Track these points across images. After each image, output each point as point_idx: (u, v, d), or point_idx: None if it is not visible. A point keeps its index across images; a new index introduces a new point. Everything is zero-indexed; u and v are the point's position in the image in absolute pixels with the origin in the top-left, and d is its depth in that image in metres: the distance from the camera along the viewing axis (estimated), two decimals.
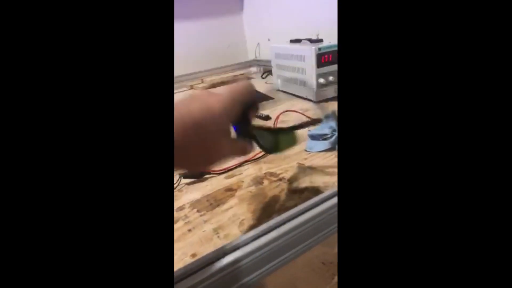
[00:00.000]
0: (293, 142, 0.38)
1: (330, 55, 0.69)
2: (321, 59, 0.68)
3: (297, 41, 0.80)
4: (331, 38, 0.76)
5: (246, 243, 0.25)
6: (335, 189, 0.32)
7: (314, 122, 0.51)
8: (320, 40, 0.74)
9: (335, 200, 0.30)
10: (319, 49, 0.68)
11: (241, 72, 1.22)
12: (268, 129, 0.36)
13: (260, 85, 1.05)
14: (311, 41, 0.74)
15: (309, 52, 0.69)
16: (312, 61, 0.69)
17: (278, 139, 0.36)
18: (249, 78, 1.20)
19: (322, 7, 0.93)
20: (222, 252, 0.24)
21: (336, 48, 0.70)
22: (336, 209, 0.29)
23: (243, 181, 0.42)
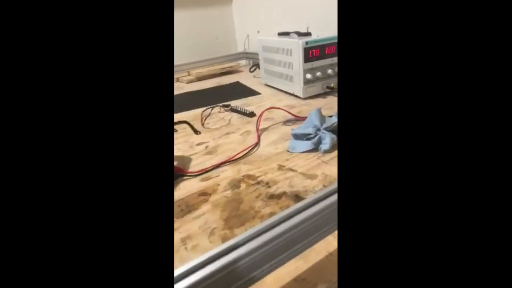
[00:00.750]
0: None
1: (318, 50, 0.67)
2: (309, 54, 0.66)
3: (285, 34, 0.77)
4: (321, 31, 0.73)
5: (210, 262, 0.23)
6: (315, 195, 0.30)
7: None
8: (309, 34, 0.71)
9: (312, 210, 0.28)
10: (307, 43, 0.65)
11: (230, 65, 1.19)
12: None
13: (248, 79, 1.02)
14: (299, 34, 0.71)
15: (296, 46, 0.66)
16: (299, 55, 0.66)
17: None
18: (237, 71, 1.16)
19: None
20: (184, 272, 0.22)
21: (325, 42, 0.67)
22: (311, 221, 0.27)
23: (219, 184, 0.40)
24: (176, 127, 0.61)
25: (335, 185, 0.30)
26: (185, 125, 0.62)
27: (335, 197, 0.29)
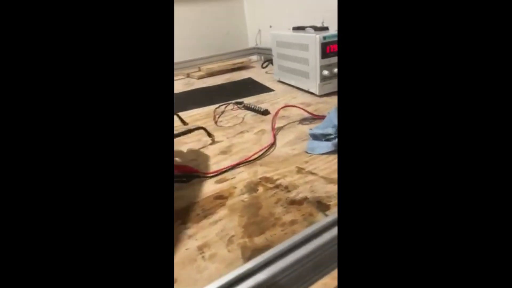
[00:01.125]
0: None
1: (336, 45, 0.64)
2: (326, 49, 0.63)
3: (301, 28, 0.74)
4: (336, 26, 0.70)
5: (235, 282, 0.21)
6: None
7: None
8: (326, 28, 0.68)
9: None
10: (324, 38, 0.62)
11: (241, 60, 1.16)
12: None
13: (260, 75, 0.99)
14: (315, 29, 0.68)
15: (313, 41, 0.63)
16: (316, 51, 0.63)
17: None
18: (248, 67, 1.14)
19: None
20: None
21: None
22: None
23: (235, 187, 0.38)
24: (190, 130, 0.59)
25: None
26: (198, 123, 0.60)
27: None
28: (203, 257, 0.28)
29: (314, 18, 0.90)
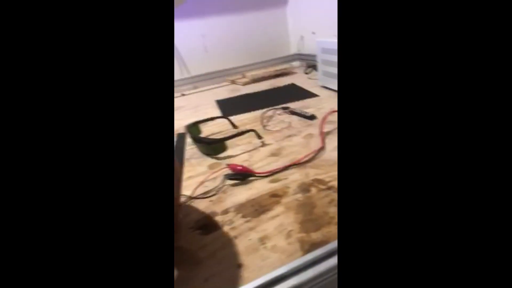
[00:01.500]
0: (222, 150, 0.55)
1: None
2: None
3: None
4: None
5: (304, 267, 0.23)
6: None
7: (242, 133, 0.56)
8: None
9: None
10: None
11: (283, 66, 1.19)
12: (204, 140, 0.55)
13: (303, 81, 1.01)
14: None
15: None
16: None
17: (212, 147, 0.54)
18: (291, 73, 1.17)
19: None
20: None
21: None
22: None
23: (288, 187, 0.40)
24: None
25: None
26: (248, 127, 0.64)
27: None
28: (265, 247, 0.31)
29: None
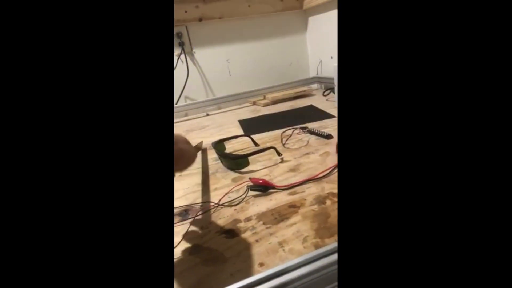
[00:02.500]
0: (245, 165, 0.60)
1: None
2: None
3: None
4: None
5: (312, 261, 0.27)
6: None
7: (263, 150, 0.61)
8: None
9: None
10: None
11: (302, 89, 1.25)
12: (229, 155, 0.61)
13: (321, 102, 1.06)
14: None
15: None
16: None
17: (236, 162, 0.59)
18: (310, 95, 1.22)
19: None
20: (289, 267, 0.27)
21: None
22: None
23: (305, 199, 0.44)
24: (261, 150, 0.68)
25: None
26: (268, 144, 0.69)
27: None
28: (283, 250, 0.34)
29: None
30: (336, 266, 0.26)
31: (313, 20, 1.33)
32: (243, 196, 0.47)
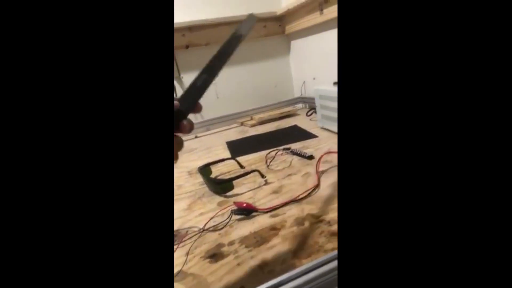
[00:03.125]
0: (229, 189, 0.61)
1: None
2: None
3: None
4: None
5: (289, 280, 0.29)
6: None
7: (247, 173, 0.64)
8: None
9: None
10: None
11: (288, 109, 1.30)
12: (214, 180, 0.64)
13: (305, 122, 1.10)
14: None
15: None
16: None
17: (221, 187, 0.61)
18: (294, 115, 1.27)
19: None
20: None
21: None
22: None
23: (286, 221, 0.47)
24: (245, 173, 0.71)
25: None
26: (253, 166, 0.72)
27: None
28: (263, 272, 0.36)
29: None
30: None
31: (295, 44, 1.41)
32: (227, 220, 0.49)
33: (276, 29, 1.38)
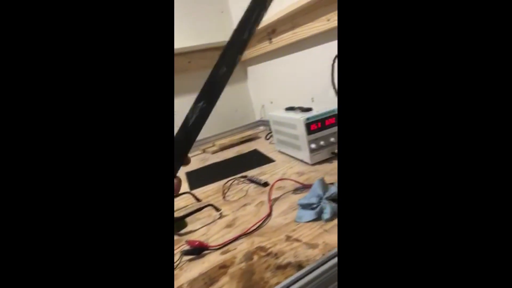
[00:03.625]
0: (183, 227, 0.60)
1: (319, 123, 0.77)
2: (310, 127, 0.76)
3: (291, 109, 0.89)
4: (324, 101, 0.84)
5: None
6: (313, 264, 0.36)
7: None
8: (310, 109, 0.82)
9: (311, 276, 0.35)
10: (308, 119, 0.76)
11: (249, 133, 1.33)
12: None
13: (264, 146, 1.13)
14: (302, 109, 0.83)
15: (299, 122, 0.77)
16: (302, 129, 0.76)
17: (174, 225, 0.58)
18: (256, 138, 1.30)
19: (315, 75, 1.03)
20: None
21: (324, 116, 0.77)
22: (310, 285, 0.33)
23: (235, 257, 0.47)
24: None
25: (332, 252, 0.37)
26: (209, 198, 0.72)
27: (331, 263, 0.36)
28: None
29: (304, 95, 1.07)
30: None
31: (251, 70, 1.46)
32: (177, 262, 0.49)
33: None
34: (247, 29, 0.29)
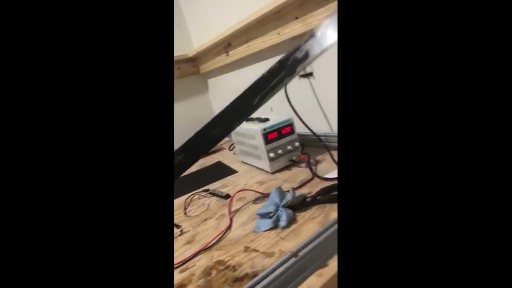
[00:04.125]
0: None
1: (276, 133, 0.79)
2: (268, 137, 0.78)
3: (251, 119, 0.91)
4: (282, 111, 0.87)
5: None
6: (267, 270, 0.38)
7: None
8: (267, 119, 0.85)
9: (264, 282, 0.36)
10: (264, 129, 0.78)
11: None
12: None
13: (228, 157, 1.14)
14: (259, 120, 0.85)
15: (257, 132, 0.79)
16: (260, 139, 0.78)
17: None
18: (220, 149, 1.30)
19: None
20: None
21: (280, 126, 0.80)
22: None
23: (194, 274, 0.47)
24: None
25: (285, 256, 0.38)
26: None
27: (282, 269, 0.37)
28: None
29: (264, 106, 1.10)
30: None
31: (211, 82, 1.47)
32: None
33: (190, 69, 1.43)
34: (259, 94, 0.23)
